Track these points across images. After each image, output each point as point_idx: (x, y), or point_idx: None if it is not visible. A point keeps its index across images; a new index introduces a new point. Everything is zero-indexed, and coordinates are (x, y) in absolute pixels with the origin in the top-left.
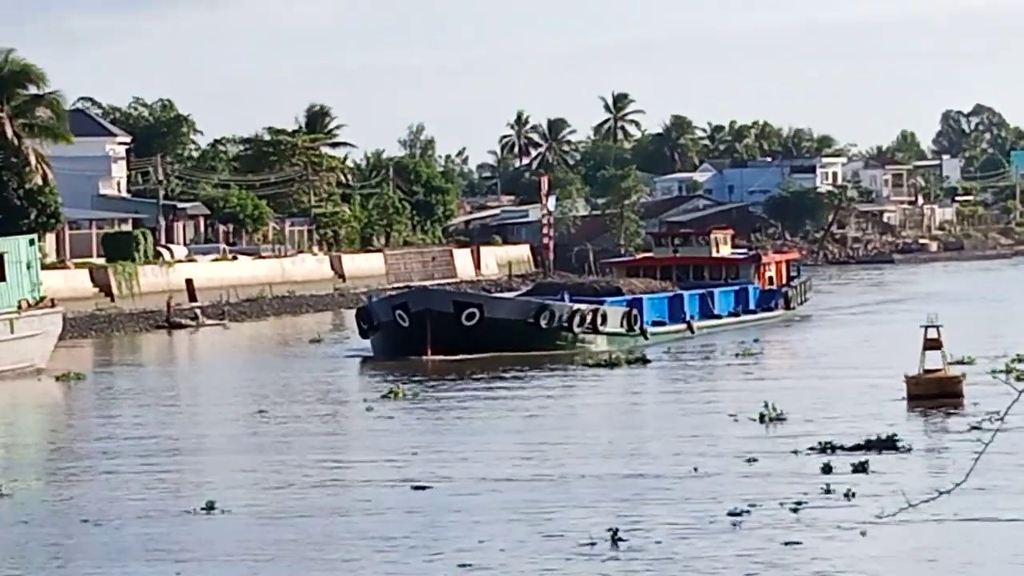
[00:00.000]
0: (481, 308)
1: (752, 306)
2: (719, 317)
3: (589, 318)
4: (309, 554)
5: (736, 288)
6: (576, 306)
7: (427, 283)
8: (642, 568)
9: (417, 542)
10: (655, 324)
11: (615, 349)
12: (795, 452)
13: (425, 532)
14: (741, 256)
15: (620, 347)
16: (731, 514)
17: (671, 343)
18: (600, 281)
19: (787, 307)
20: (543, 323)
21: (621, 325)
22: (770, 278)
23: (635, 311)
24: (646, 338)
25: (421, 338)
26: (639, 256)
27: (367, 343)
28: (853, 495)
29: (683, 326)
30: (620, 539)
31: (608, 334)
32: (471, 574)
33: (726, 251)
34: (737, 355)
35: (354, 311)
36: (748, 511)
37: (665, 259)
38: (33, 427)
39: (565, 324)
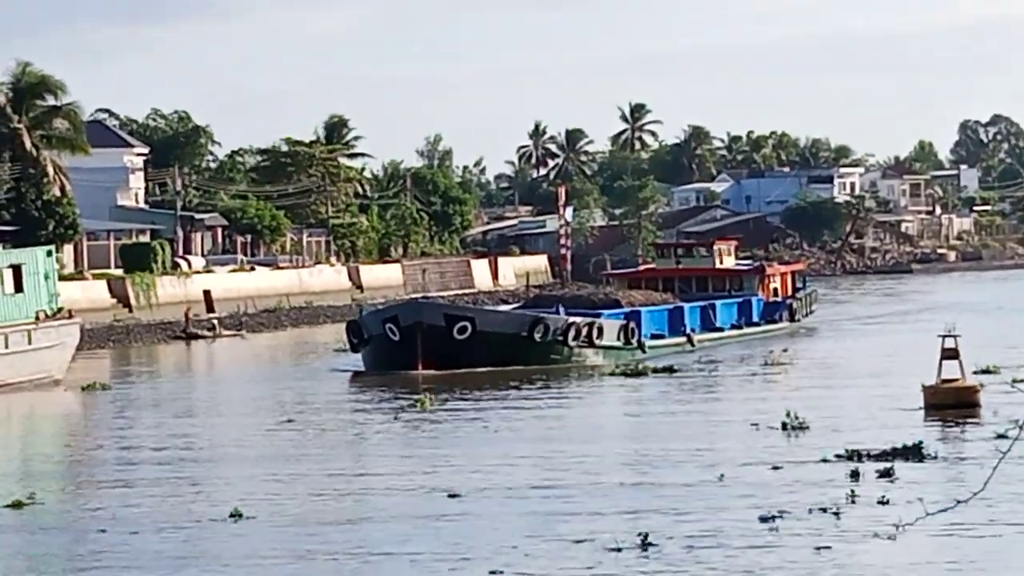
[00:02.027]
0: (473, 321)
1: (755, 318)
2: (721, 330)
3: (584, 331)
4: (341, 561)
5: (739, 300)
6: (571, 319)
7: (444, 293)
8: (673, 572)
9: (448, 548)
10: (654, 337)
11: (612, 362)
12: (824, 460)
13: (456, 538)
14: (745, 267)
15: (616, 360)
16: (762, 520)
17: (670, 357)
18: (598, 293)
19: (792, 319)
20: (537, 337)
21: (618, 338)
22: (775, 289)
23: (632, 324)
24: (643, 351)
25: (412, 352)
26: (641, 267)
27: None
28: (887, 502)
29: (683, 339)
30: (650, 544)
31: (604, 348)
32: None
33: (730, 262)
34: (765, 363)
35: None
36: (778, 517)
37: (668, 270)
38: (56, 438)
39: (559, 338)
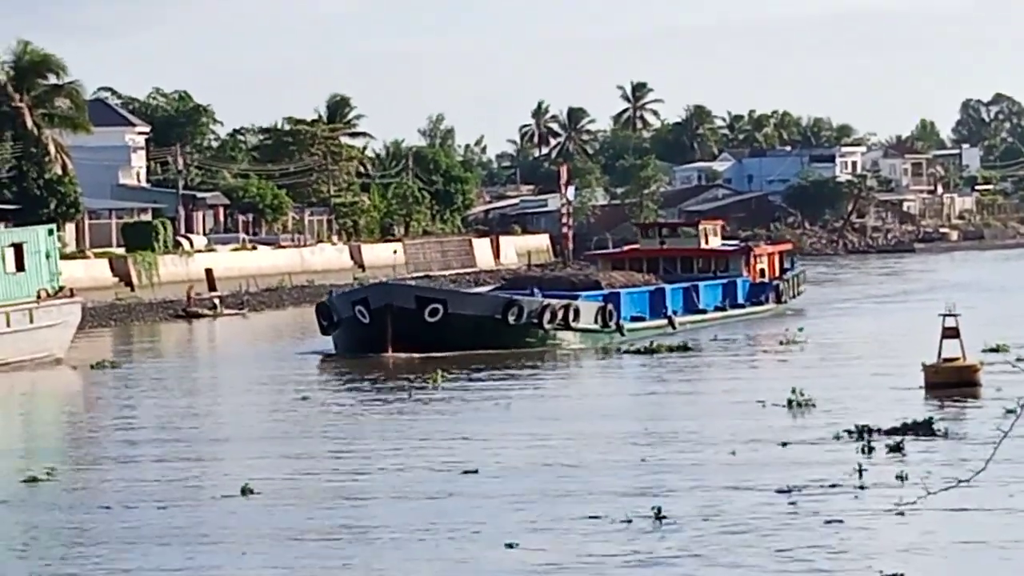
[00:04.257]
0: (445, 304)
1: (740, 300)
2: (704, 312)
3: (560, 314)
4: (355, 536)
5: (724, 281)
6: (546, 301)
7: (446, 272)
8: (685, 545)
9: (462, 523)
10: (634, 320)
11: (589, 345)
12: (836, 437)
13: (469, 514)
14: (731, 248)
15: (594, 344)
16: (778, 492)
17: (651, 339)
18: (579, 275)
19: (778, 301)
20: (511, 319)
21: (595, 321)
22: (761, 270)
23: (611, 306)
24: (622, 334)
25: (382, 335)
26: (625, 248)
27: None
28: (905, 477)
29: (664, 322)
30: (663, 517)
31: (581, 330)
32: (518, 553)
33: (715, 243)
34: (781, 343)
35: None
36: (790, 491)
37: (652, 251)
38: (67, 415)
39: (534, 320)
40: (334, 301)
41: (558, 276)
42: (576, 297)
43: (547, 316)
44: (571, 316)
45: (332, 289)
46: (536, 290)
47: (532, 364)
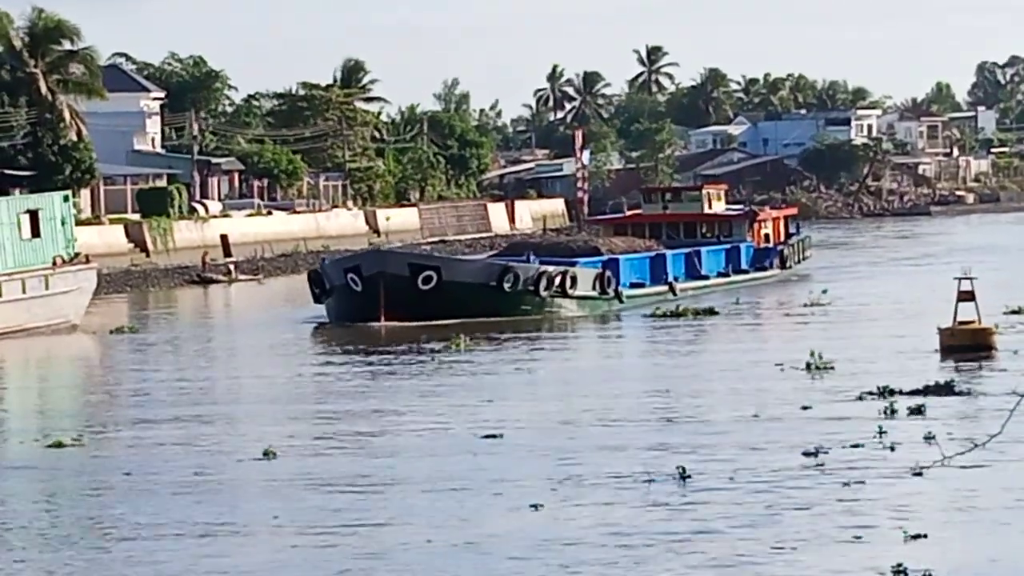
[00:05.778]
0: (439, 271)
1: (744, 265)
2: (706, 278)
3: (557, 281)
4: (377, 500)
5: (727, 247)
6: (543, 268)
7: (462, 237)
8: (709, 504)
9: (485, 485)
10: (633, 286)
11: (587, 313)
12: (859, 398)
13: (492, 476)
14: (735, 212)
15: (592, 311)
16: (804, 455)
17: (652, 306)
18: (578, 240)
19: (783, 266)
20: (506, 286)
21: (593, 288)
22: (766, 235)
23: (609, 273)
24: (621, 301)
25: (374, 303)
26: (628, 213)
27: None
28: (932, 438)
29: (664, 288)
30: (688, 476)
31: (578, 298)
32: (542, 513)
33: (719, 207)
34: (806, 305)
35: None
36: (815, 453)
37: (654, 216)
38: (83, 381)
39: (531, 287)
40: (326, 268)
41: (557, 242)
42: (574, 264)
43: (543, 283)
44: (568, 283)
45: (324, 256)
46: (533, 256)
47: (549, 329)
